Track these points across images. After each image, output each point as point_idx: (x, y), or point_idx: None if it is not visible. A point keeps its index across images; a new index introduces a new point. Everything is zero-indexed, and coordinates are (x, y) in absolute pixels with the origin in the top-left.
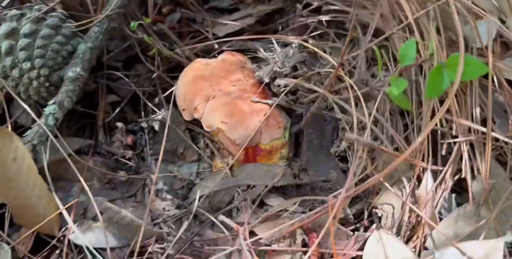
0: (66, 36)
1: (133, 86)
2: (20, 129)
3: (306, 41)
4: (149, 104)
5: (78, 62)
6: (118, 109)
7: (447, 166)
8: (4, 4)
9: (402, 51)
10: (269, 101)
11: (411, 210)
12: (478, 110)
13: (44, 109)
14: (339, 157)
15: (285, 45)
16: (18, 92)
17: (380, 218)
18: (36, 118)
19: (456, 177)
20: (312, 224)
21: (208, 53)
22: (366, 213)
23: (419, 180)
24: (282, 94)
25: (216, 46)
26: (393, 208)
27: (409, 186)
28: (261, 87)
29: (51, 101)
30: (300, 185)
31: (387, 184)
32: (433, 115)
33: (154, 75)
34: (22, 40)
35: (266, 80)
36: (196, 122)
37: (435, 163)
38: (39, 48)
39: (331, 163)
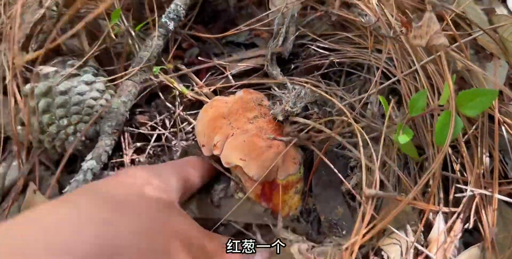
0: (99, 90)
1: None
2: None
3: (319, 81)
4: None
5: (113, 117)
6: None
7: (459, 208)
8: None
9: (412, 102)
10: (285, 138)
11: (418, 253)
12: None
13: (81, 164)
14: (350, 195)
15: (298, 85)
16: (53, 146)
17: None
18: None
19: (468, 220)
20: None
21: (225, 88)
22: (371, 256)
23: (428, 224)
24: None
25: (233, 82)
26: (401, 248)
27: (417, 229)
28: (277, 124)
29: (89, 156)
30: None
31: (392, 228)
32: (444, 160)
33: (176, 115)
34: (59, 97)
35: (280, 118)
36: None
37: (446, 206)
38: (75, 105)
39: (339, 199)
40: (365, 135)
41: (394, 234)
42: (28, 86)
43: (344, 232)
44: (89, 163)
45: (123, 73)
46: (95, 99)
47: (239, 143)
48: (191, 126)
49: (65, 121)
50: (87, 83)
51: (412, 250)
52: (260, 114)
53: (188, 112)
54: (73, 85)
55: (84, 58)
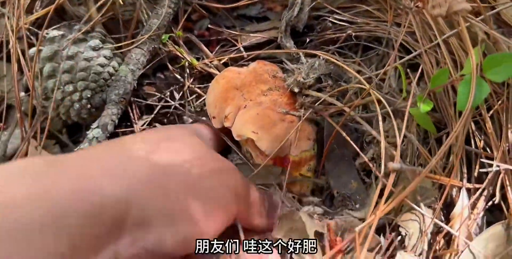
0: (107, 57)
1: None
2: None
3: (333, 53)
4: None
5: (120, 85)
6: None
7: (483, 184)
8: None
9: (433, 78)
10: (298, 113)
11: (439, 230)
12: None
13: (87, 132)
14: (365, 171)
15: (312, 56)
16: (57, 113)
17: (403, 237)
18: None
19: (493, 197)
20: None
21: (236, 61)
22: (388, 230)
23: (448, 201)
24: (308, 107)
25: (245, 55)
26: (419, 225)
27: (437, 205)
28: (291, 98)
29: (95, 125)
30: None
31: (411, 203)
32: (467, 136)
33: (187, 87)
34: (65, 62)
35: (296, 89)
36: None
37: (469, 182)
38: (82, 71)
39: (352, 173)
40: (387, 107)
41: (413, 210)
42: (33, 50)
43: (357, 206)
44: (95, 131)
45: (131, 41)
46: (102, 66)
47: (252, 115)
48: (202, 99)
49: (70, 87)
50: (94, 49)
51: (431, 226)
52: (275, 87)
53: (197, 85)
54: (80, 50)
55: (91, 22)
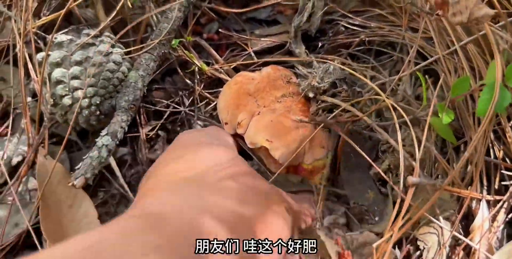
0: (116, 62)
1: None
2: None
3: (346, 58)
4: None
5: (130, 91)
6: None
7: (504, 197)
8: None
9: (454, 85)
10: (314, 121)
11: (459, 243)
12: None
13: (96, 139)
14: (380, 181)
15: (325, 62)
16: (65, 119)
17: (422, 251)
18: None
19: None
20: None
21: (246, 66)
22: (404, 243)
23: (467, 213)
24: (324, 114)
25: (256, 60)
26: (438, 238)
27: (456, 218)
28: (305, 104)
29: (104, 132)
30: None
31: (429, 216)
32: (486, 143)
33: (197, 93)
34: (74, 68)
35: (311, 95)
36: None
37: (488, 194)
38: (91, 77)
39: (368, 183)
40: (404, 115)
41: (431, 223)
42: (40, 54)
43: (376, 218)
44: (104, 139)
45: (140, 46)
46: (111, 71)
47: (266, 122)
48: (212, 104)
49: (79, 93)
50: (103, 54)
51: (450, 240)
52: (289, 93)
53: (207, 90)
54: (89, 55)
55: (101, 27)
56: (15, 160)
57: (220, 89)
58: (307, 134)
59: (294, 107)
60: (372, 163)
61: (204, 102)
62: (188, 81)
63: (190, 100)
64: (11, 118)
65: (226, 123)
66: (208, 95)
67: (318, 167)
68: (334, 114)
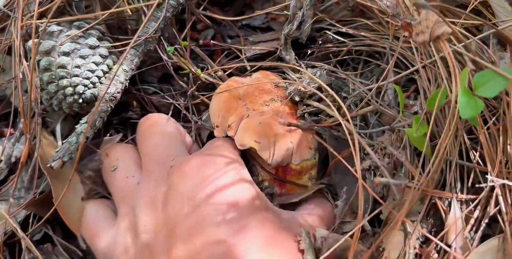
0: (102, 55)
1: (170, 100)
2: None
3: (335, 66)
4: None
5: (112, 84)
6: None
7: (477, 197)
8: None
9: (430, 98)
10: (300, 124)
11: (427, 244)
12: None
13: (76, 126)
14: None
15: (313, 67)
16: (50, 104)
17: (382, 252)
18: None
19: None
20: None
21: (240, 71)
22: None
23: (439, 214)
24: (308, 117)
25: (248, 67)
26: (405, 237)
27: (429, 219)
28: (293, 108)
29: (83, 120)
30: None
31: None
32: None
33: (189, 92)
34: (61, 58)
35: (297, 98)
36: None
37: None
38: (76, 67)
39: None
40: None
41: (399, 223)
42: (30, 42)
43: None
44: (83, 126)
45: (127, 41)
46: (96, 64)
47: (254, 124)
48: (205, 108)
49: (64, 82)
50: (90, 47)
51: (417, 241)
52: (277, 97)
53: (202, 94)
54: (77, 47)
55: (92, 23)
56: (14, 157)
57: (213, 93)
58: (295, 135)
59: (281, 110)
60: (349, 166)
61: (198, 106)
62: (183, 85)
63: (184, 103)
64: (11, 114)
65: (217, 126)
66: (202, 99)
67: (306, 168)
68: (318, 118)
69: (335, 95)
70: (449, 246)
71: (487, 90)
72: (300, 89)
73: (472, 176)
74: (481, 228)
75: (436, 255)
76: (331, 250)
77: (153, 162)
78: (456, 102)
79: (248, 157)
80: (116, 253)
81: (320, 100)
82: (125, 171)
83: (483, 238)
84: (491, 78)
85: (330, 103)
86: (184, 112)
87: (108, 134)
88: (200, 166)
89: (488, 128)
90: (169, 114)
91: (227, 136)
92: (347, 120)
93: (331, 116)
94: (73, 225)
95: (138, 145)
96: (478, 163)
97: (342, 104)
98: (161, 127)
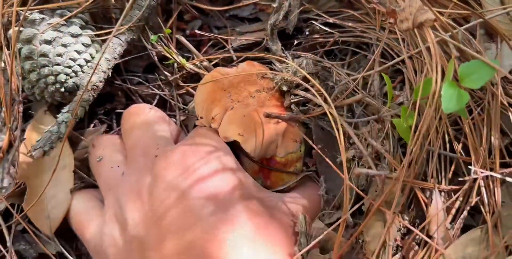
0: (84, 44)
1: (156, 90)
2: None
3: (322, 56)
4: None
5: (94, 73)
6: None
7: (459, 188)
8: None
9: (417, 89)
10: (286, 116)
11: (411, 235)
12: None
13: (57, 115)
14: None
15: (299, 57)
16: (32, 93)
17: (363, 243)
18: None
19: (469, 200)
20: None
21: (226, 61)
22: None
23: (420, 205)
24: (295, 108)
25: (235, 58)
26: (384, 228)
27: (411, 210)
28: (279, 99)
29: (65, 109)
30: None
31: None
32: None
33: (172, 81)
34: (42, 46)
35: (284, 88)
36: None
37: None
38: (58, 56)
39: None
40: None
41: (379, 213)
42: (11, 31)
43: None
44: (65, 115)
45: (110, 30)
46: (79, 52)
47: (238, 117)
48: (192, 98)
49: (45, 71)
50: (73, 35)
51: (395, 231)
52: (263, 88)
53: (186, 84)
54: (59, 35)
55: (75, 11)
56: None
57: (198, 84)
58: (279, 128)
59: (267, 102)
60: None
61: (183, 96)
62: (168, 74)
63: (169, 93)
64: None
65: (201, 118)
66: (188, 90)
67: (291, 160)
68: (305, 108)
69: (317, 85)
70: (430, 237)
71: (473, 81)
72: (287, 79)
73: (453, 167)
74: (463, 218)
75: (416, 247)
76: (316, 241)
77: (137, 153)
78: (436, 92)
79: (234, 147)
80: (105, 244)
81: (307, 89)
82: (110, 162)
83: (465, 229)
84: (478, 69)
85: (316, 93)
86: (170, 100)
87: (92, 125)
88: (184, 155)
89: (472, 118)
90: (154, 104)
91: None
92: (334, 109)
93: (319, 106)
94: (44, 226)
95: (123, 136)
96: (460, 153)
97: (326, 94)
98: (145, 117)
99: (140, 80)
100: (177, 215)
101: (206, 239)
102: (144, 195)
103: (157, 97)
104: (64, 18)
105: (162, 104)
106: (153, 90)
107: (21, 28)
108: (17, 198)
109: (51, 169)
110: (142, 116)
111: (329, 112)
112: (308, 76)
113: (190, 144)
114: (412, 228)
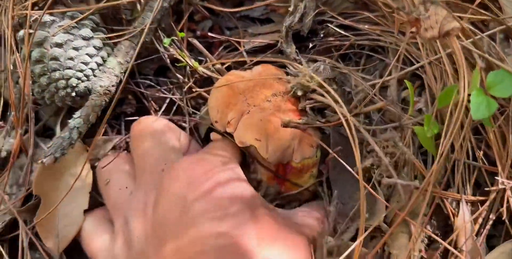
0: (96, 47)
1: (168, 94)
2: (48, 132)
3: (337, 60)
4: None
5: (107, 77)
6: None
7: (486, 199)
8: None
9: (441, 96)
10: (303, 126)
11: (434, 246)
12: None
13: (68, 120)
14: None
15: (315, 61)
16: (42, 97)
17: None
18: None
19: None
20: None
21: (239, 64)
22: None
23: (445, 215)
24: (310, 112)
25: (247, 60)
26: (409, 240)
27: (431, 220)
28: (295, 103)
29: (77, 114)
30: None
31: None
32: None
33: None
34: (53, 49)
35: (300, 93)
36: None
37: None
38: (70, 59)
39: (357, 183)
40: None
41: (403, 224)
42: (22, 32)
43: (367, 215)
44: (76, 121)
45: (122, 33)
46: (90, 56)
47: (255, 121)
48: (204, 102)
49: (56, 75)
50: (84, 38)
51: (423, 243)
52: (279, 92)
53: (199, 88)
54: (70, 38)
55: (87, 13)
56: (4, 151)
57: (211, 87)
58: (296, 133)
59: (283, 106)
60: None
61: (196, 100)
62: (180, 77)
63: (181, 97)
64: (1, 107)
65: (216, 122)
66: (201, 93)
67: (307, 166)
68: (322, 114)
69: (333, 92)
70: (456, 249)
71: (501, 89)
72: (303, 83)
73: (475, 176)
74: (487, 229)
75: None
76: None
77: (145, 172)
78: (464, 101)
79: (247, 154)
80: None
81: (323, 95)
82: (118, 184)
83: (488, 239)
84: (505, 78)
85: (331, 100)
86: (182, 105)
87: (102, 132)
88: (191, 166)
89: (499, 127)
90: (164, 108)
91: (225, 132)
92: (352, 116)
93: (335, 112)
94: (52, 244)
95: (131, 152)
96: (484, 163)
97: (341, 101)
98: (152, 132)
99: (152, 83)
100: (180, 221)
101: (218, 240)
102: (149, 209)
103: (168, 100)
104: (76, 20)
105: (173, 108)
106: (164, 93)
107: (32, 31)
108: (28, 214)
109: (68, 186)
110: (149, 131)
111: (345, 122)
112: (324, 83)
113: (198, 155)
114: (441, 241)
